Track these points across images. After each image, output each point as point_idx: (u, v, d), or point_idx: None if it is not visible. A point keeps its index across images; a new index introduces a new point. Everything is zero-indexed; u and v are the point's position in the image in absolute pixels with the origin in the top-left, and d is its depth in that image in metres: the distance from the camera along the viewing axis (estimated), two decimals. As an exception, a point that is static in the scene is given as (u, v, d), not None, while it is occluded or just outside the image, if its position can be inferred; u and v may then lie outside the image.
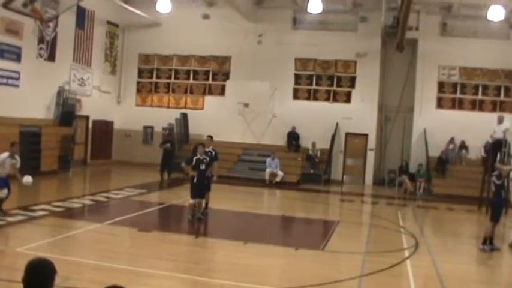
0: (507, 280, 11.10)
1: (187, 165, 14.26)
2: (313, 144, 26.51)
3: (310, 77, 27.88)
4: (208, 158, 14.40)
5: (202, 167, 14.07)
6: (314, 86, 27.81)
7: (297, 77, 27.98)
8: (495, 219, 13.06)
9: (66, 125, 24.45)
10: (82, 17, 26.13)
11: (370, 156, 27.64)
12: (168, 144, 24.01)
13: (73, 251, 10.41)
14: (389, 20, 25.76)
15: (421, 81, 27.01)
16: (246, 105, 26.51)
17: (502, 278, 11.33)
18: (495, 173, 13.70)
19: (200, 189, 14.12)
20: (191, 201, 14.09)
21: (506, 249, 13.26)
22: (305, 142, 27.04)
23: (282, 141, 27.54)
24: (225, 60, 28.88)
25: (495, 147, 20.55)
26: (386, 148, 28.52)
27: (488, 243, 12.84)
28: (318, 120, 26.73)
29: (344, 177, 27.77)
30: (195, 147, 15.21)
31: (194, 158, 14.15)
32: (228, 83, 28.01)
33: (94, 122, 28.15)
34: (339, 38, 27.04)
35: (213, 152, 15.20)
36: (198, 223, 14.06)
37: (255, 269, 9.99)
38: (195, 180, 13.93)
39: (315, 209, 19.47)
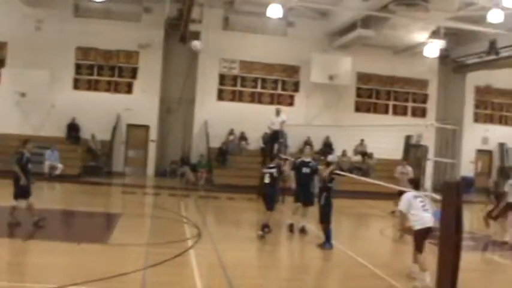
0: (285, 263, 11.80)
1: None
2: (93, 136, 25.82)
3: (91, 67, 26.99)
4: None
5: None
6: (95, 76, 26.99)
7: (78, 67, 26.92)
8: (270, 208, 13.88)
9: None
10: None
11: (152, 148, 27.67)
12: None
13: None
14: (173, 12, 25.94)
15: (203, 74, 27.65)
16: (23, 94, 24.95)
17: (279, 261, 12.03)
18: (272, 164, 14.43)
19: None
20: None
21: (285, 235, 14.10)
22: (86, 133, 26.21)
23: (61, 132, 26.27)
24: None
25: (273, 138, 21.71)
26: (168, 139, 28.70)
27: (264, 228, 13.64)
28: (99, 111, 26.00)
29: (126, 169, 27.44)
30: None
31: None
32: (3, 71, 26.04)
33: None
34: (122, 28, 26.54)
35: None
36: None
37: (35, 267, 9.43)
38: None
39: (97, 202, 18.96)
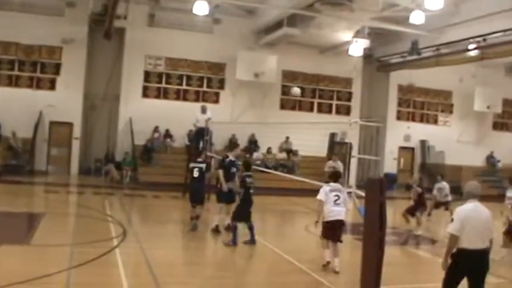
0: (211, 261, 11.83)
1: None
2: (14, 134, 25.04)
3: (12, 62, 26.04)
4: None
5: None
6: (17, 72, 26.04)
7: (-3, 62, 26.02)
8: (199, 202, 14.26)
9: None
10: None
11: (76, 145, 27.08)
12: None
13: None
14: (98, 7, 25.51)
15: (128, 70, 27.30)
16: None
17: (205, 259, 12.04)
18: (200, 159, 14.51)
19: None
20: None
21: (208, 233, 14.11)
22: (6, 131, 25.30)
23: (-20, 130, 25.38)
24: None
25: (198, 135, 21.69)
26: (92, 137, 28.26)
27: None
28: (20, 108, 25.13)
29: (49, 167, 26.74)
30: None
31: None
32: None
33: None
34: (45, 23, 25.62)
35: None
36: None
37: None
38: None
39: (18, 202, 18.34)
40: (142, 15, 27.42)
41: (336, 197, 10.70)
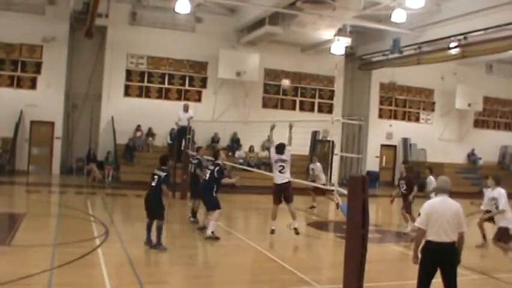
0: (194, 260, 11.78)
1: None
2: (-8, 134, 24.88)
3: (-9, 61, 25.85)
4: None
5: None
6: (-6, 71, 25.86)
7: (-23, 61, 25.75)
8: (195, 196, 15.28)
9: None
10: None
11: (57, 145, 26.90)
12: None
13: None
14: (79, 5, 25.39)
15: (110, 69, 27.17)
16: None
17: (188, 258, 11.92)
18: (195, 161, 14.82)
19: None
20: None
21: (194, 231, 14.10)
22: (-15, 131, 25.11)
23: (-41, 130, 25.08)
24: None
25: (180, 134, 21.65)
26: (74, 136, 28.10)
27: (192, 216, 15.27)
28: (0, 108, 24.86)
29: (30, 167, 26.53)
30: None
31: None
32: None
33: None
34: (25, 20, 25.34)
35: None
36: None
37: None
38: None
39: (-1, 202, 18.27)
40: (124, 13, 27.29)
41: (281, 167, 13.49)
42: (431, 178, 16.43)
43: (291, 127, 14.26)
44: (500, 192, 12.34)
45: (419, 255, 7.46)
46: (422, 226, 7.33)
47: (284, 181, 13.43)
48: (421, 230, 7.36)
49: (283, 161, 13.50)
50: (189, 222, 15.31)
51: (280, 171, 13.42)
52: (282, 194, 13.53)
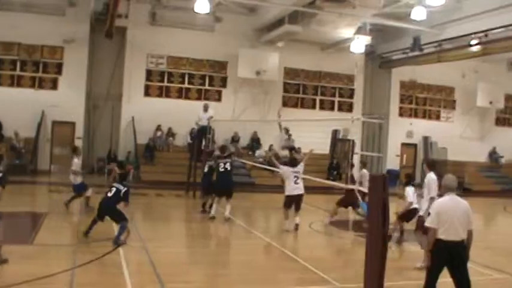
0: (213, 259, 11.76)
1: None
2: (16, 134, 25.05)
3: (14, 62, 25.99)
4: None
5: None
6: (19, 72, 26.04)
7: (0, 62, 25.86)
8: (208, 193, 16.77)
9: None
10: None
11: (78, 145, 26.92)
12: None
13: None
14: (99, 6, 25.54)
15: (130, 69, 27.30)
16: None
17: (208, 257, 11.95)
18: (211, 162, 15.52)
19: None
20: None
21: (212, 230, 14.11)
22: (9, 131, 25.28)
23: (-18, 130, 25.35)
24: None
25: (200, 133, 21.68)
26: (95, 136, 28.22)
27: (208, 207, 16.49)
28: (22, 108, 25.07)
29: (52, 166, 26.75)
30: None
31: None
32: None
33: None
34: (46, 22, 25.59)
35: None
36: None
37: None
38: None
39: (21, 202, 18.31)
40: (144, 13, 27.41)
41: (296, 178, 14.44)
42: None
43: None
44: None
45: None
46: (434, 225, 7.38)
47: (300, 192, 14.55)
48: (432, 229, 7.41)
49: (297, 172, 14.55)
50: (207, 219, 15.45)
51: (295, 182, 14.43)
52: (295, 203, 14.62)
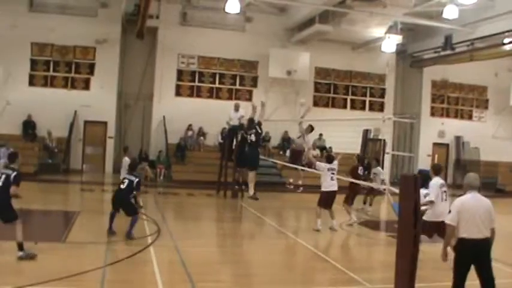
0: (244, 258, 11.79)
1: None
2: (49, 133, 25.42)
3: (47, 63, 26.44)
4: None
5: None
6: (52, 72, 26.47)
7: (34, 63, 26.32)
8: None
9: None
10: None
11: (110, 144, 27.36)
12: None
13: None
14: (130, 7, 25.76)
15: (161, 69, 27.49)
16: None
17: (239, 256, 11.99)
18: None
19: None
20: None
21: (244, 229, 14.13)
22: (42, 131, 25.69)
23: (17, 130, 25.68)
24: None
25: (231, 133, 21.69)
26: (126, 136, 28.46)
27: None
28: (55, 108, 25.50)
29: (84, 166, 27.08)
30: None
31: None
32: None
33: None
34: (78, 23, 25.95)
35: None
36: None
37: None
38: None
39: (54, 200, 18.59)
40: (175, 14, 27.59)
41: (332, 175, 14.47)
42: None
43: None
44: None
45: (453, 254, 7.48)
46: (453, 223, 7.37)
47: (336, 189, 14.62)
48: (451, 226, 7.40)
49: (333, 169, 14.65)
50: (237, 218, 15.47)
51: (331, 179, 14.50)
52: (330, 200, 14.63)
